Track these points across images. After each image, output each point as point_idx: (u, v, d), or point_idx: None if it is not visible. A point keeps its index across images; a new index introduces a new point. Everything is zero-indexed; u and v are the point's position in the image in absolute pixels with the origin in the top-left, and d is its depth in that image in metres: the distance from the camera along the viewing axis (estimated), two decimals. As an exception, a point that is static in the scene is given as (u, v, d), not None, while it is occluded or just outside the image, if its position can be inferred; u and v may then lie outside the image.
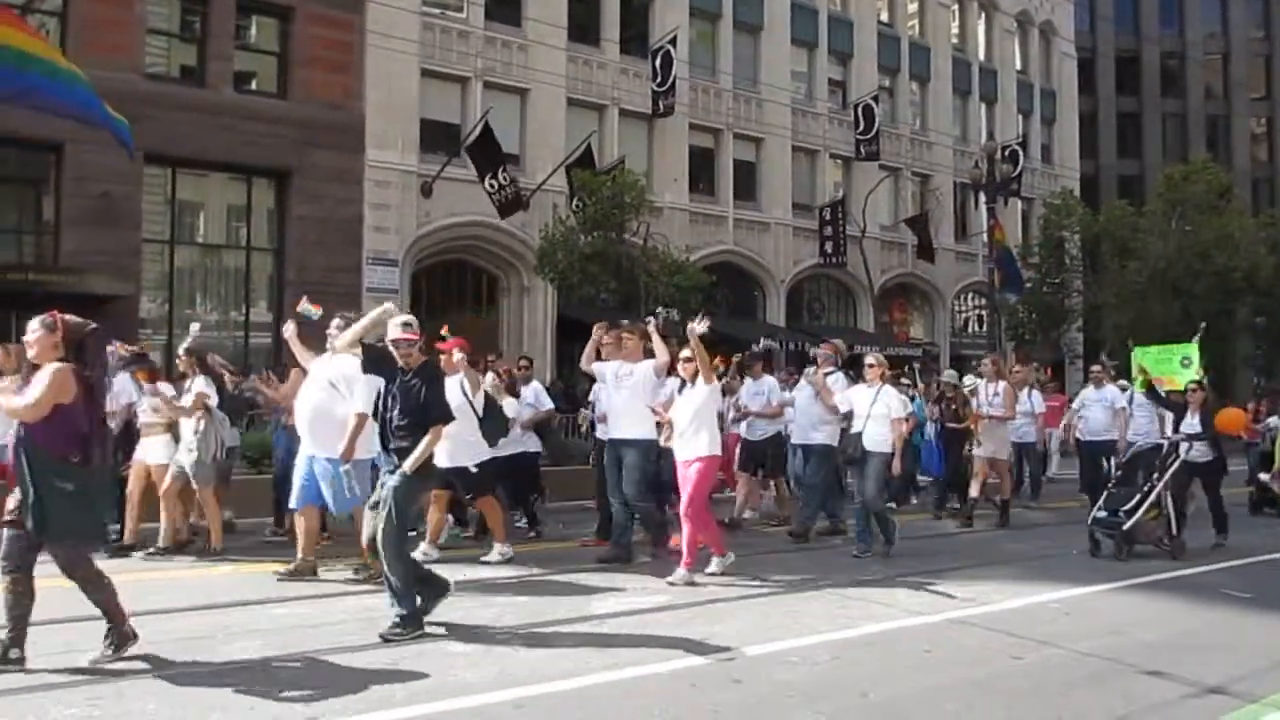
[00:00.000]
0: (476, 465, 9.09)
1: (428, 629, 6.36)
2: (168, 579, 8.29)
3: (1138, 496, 9.80)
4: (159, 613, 6.64)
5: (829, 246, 31.20)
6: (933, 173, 35.50)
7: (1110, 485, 10.44)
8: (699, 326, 8.35)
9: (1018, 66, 39.19)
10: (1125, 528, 9.66)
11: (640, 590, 7.90)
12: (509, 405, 10.34)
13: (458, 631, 6.43)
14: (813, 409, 10.57)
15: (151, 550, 9.12)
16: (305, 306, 8.23)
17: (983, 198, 28.14)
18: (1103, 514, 9.96)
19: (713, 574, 8.37)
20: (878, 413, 9.63)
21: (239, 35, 22.09)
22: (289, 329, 8.58)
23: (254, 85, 22.34)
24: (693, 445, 8.39)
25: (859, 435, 9.69)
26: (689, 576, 8.09)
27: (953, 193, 35.86)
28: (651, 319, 9.09)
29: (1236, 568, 9.62)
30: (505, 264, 25.75)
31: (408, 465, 6.32)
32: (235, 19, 21.81)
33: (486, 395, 9.38)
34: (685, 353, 8.82)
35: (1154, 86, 51.20)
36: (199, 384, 9.34)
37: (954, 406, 13.26)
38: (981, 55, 37.96)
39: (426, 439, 6.42)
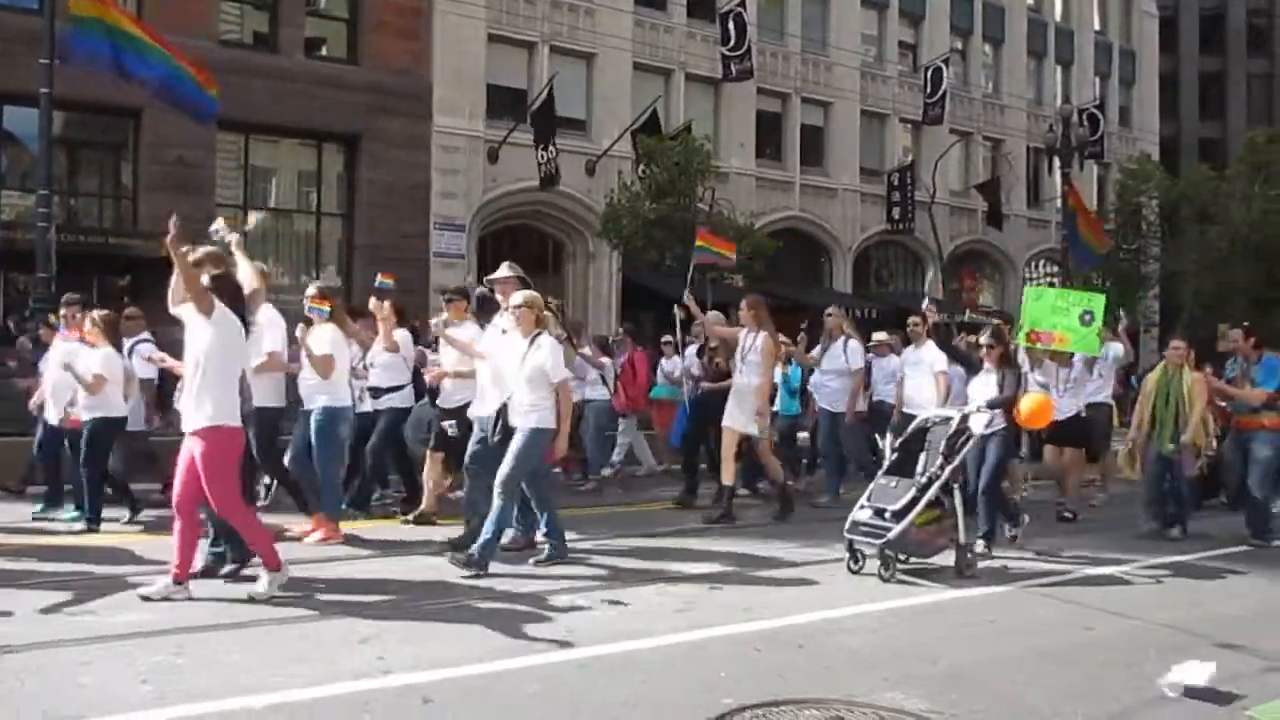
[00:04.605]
0: None
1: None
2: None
3: (912, 492, 7.11)
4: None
5: (897, 212, 30.80)
6: (1005, 137, 34.74)
7: (881, 471, 7.72)
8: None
9: (1096, 26, 38.08)
10: (890, 536, 6.96)
11: (705, 556, 7.90)
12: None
13: (520, 590, 6.51)
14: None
15: None
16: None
17: (1056, 163, 27.46)
18: (865, 513, 7.23)
19: (259, 596, 5.96)
20: (528, 375, 7.09)
21: (310, 2, 22.33)
22: None
23: (324, 51, 22.58)
24: (194, 411, 5.93)
25: (503, 408, 7.25)
26: (176, 589, 5.85)
27: (1025, 157, 35.08)
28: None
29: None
30: (571, 229, 25.80)
31: None
32: (306, -15, 22.07)
33: None
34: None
35: (1239, 46, 49.48)
36: None
37: (717, 361, 10.38)
38: (1058, 15, 36.95)
39: None
